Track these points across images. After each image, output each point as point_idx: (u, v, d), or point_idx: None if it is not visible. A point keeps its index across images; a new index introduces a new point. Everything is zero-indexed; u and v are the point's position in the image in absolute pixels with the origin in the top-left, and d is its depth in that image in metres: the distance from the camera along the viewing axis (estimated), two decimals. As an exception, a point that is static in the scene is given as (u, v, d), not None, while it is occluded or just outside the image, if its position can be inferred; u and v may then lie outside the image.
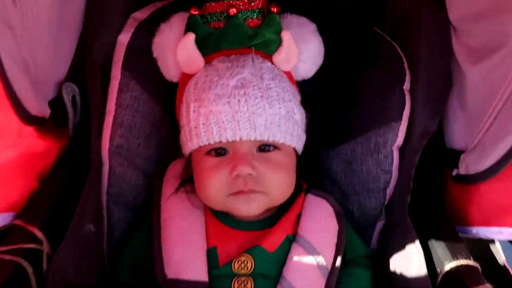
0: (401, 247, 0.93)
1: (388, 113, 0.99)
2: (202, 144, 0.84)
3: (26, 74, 0.82)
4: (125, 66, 0.97)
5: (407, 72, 0.99)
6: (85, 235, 0.87)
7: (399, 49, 1.02)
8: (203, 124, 0.83)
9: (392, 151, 1.00)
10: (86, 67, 0.97)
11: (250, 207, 0.85)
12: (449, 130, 1.02)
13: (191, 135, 0.86)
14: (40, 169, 0.89)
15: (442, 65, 0.98)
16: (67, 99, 0.97)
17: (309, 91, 1.04)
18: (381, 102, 1.00)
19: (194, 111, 0.85)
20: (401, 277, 0.91)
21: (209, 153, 0.86)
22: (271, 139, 0.84)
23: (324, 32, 1.06)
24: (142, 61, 0.98)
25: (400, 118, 0.98)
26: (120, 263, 0.93)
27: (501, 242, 1.06)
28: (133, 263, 0.91)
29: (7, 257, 0.70)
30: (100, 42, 0.97)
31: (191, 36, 0.89)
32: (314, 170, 1.06)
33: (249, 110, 0.82)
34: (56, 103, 0.96)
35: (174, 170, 0.97)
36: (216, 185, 0.84)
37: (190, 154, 0.92)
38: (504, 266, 0.98)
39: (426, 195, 1.06)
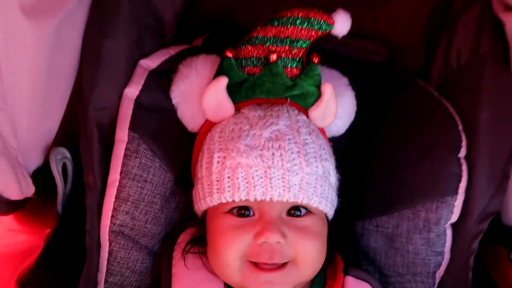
0: None
1: (441, 184, 0.87)
2: (224, 201, 0.76)
3: (3, 155, 0.67)
4: (133, 126, 0.84)
5: (463, 137, 0.88)
6: None
7: (451, 108, 0.91)
8: (229, 177, 0.76)
9: (445, 229, 0.87)
10: (80, 127, 0.84)
11: None
12: (509, 207, 0.89)
13: (211, 189, 0.78)
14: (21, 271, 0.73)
15: (506, 132, 0.86)
16: (55, 168, 0.82)
17: (338, 147, 0.95)
18: (433, 170, 0.88)
19: (218, 162, 0.77)
20: None
21: (230, 212, 0.78)
22: (305, 202, 0.77)
23: (357, 83, 0.99)
24: (153, 120, 0.86)
25: (455, 192, 0.86)
26: None
27: None
28: None
29: None
30: (99, 95, 0.83)
31: (224, 81, 0.81)
32: (347, 244, 0.95)
33: (284, 167, 0.75)
34: (40, 174, 0.81)
35: (185, 243, 0.86)
36: (234, 250, 0.76)
37: (205, 214, 0.84)
38: None
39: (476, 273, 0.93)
